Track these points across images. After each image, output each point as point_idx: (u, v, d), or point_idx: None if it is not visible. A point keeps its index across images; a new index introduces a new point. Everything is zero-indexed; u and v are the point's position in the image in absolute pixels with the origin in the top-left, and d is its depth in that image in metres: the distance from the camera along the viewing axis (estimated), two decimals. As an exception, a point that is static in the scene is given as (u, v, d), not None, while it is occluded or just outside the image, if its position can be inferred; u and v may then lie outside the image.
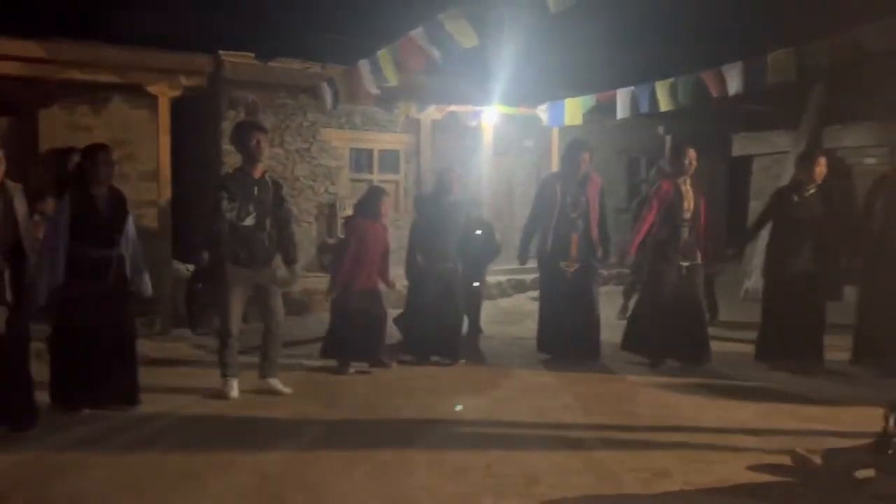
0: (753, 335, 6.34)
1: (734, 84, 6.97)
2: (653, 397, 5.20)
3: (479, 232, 7.10)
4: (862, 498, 3.31)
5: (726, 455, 3.92)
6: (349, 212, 10.98)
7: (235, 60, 9.59)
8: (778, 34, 8.92)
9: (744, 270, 10.59)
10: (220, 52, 9.37)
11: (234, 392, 5.03)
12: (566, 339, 6.24)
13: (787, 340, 5.93)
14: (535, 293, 10.52)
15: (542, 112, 9.56)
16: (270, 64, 9.92)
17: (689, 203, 5.97)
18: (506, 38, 10.17)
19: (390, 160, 11.49)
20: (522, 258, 6.52)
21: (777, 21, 12.84)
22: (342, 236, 7.01)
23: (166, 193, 7.45)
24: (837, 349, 6.02)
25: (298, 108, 10.58)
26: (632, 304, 8.60)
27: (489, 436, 4.32)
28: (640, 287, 6.60)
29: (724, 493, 3.45)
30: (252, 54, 9.78)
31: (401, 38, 5.97)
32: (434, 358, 6.19)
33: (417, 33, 5.81)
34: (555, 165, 11.92)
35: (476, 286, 7.31)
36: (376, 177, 11.13)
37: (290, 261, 5.37)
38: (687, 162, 5.99)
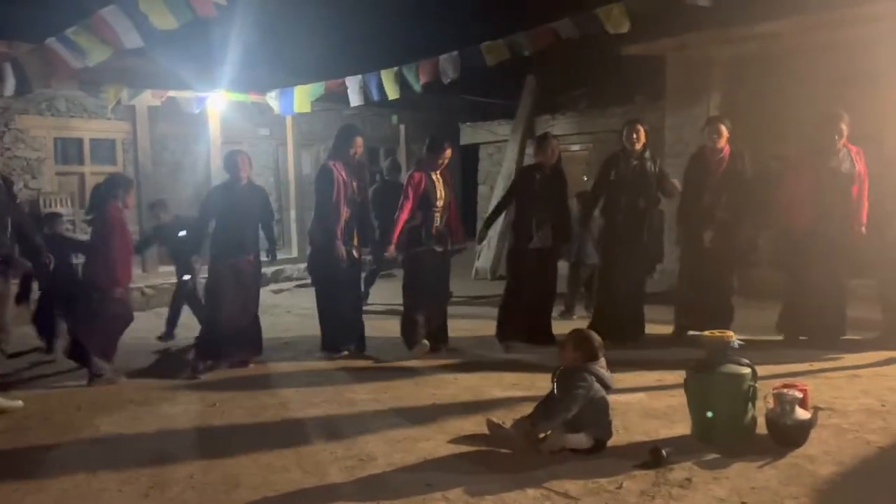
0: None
1: (451, 72, 7.35)
2: (374, 381, 5.28)
3: (183, 233, 6.70)
4: (542, 455, 3.63)
5: (432, 432, 4.08)
6: (64, 209, 9.87)
7: None
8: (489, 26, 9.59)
9: (475, 252, 11.27)
10: None
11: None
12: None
13: (521, 316, 6.27)
14: (287, 285, 10.41)
15: (272, 99, 9.28)
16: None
17: (440, 192, 6.11)
18: (228, 22, 9.73)
19: (104, 150, 10.45)
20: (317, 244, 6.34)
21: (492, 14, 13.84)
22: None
23: None
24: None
25: (-17, 93, 9.16)
26: (371, 290, 8.88)
27: (197, 445, 4.08)
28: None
29: (424, 468, 3.58)
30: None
31: (92, 15, 5.39)
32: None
33: (109, 11, 5.29)
34: (291, 154, 11.74)
35: (185, 279, 6.90)
36: (88, 168, 10.06)
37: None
38: (443, 157, 6.07)
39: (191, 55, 9.05)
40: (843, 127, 5.62)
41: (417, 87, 7.60)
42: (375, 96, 8.01)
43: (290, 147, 11.45)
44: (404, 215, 5.99)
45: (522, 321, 6.24)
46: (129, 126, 10.00)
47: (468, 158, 13.67)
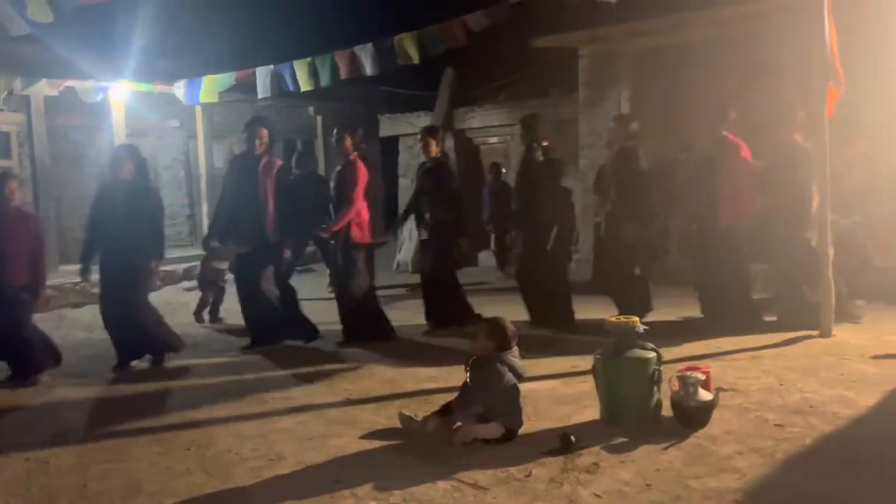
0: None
1: (367, 65, 7.25)
2: (286, 379, 5.14)
3: None
4: (454, 447, 3.60)
5: (343, 429, 4.00)
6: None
7: None
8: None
9: (397, 246, 11.20)
10: None
11: None
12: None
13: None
14: (191, 284, 10.02)
15: (179, 89, 8.98)
16: None
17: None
18: (132, 9, 9.31)
19: (-3, 143, 9.82)
20: (205, 244, 6.34)
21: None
22: None
23: None
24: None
25: None
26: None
27: (94, 450, 3.86)
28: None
29: (334, 465, 3.50)
30: None
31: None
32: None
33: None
34: (202, 147, 11.35)
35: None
36: (-20, 163, 9.44)
37: None
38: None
39: (89, 43, 8.59)
40: (729, 117, 5.86)
41: (326, 82, 7.47)
42: (288, 87, 7.84)
43: (200, 139, 11.09)
44: (360, 205, 5.89)
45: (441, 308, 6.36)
46: (24, 117, 9.43)
47: (388, 150, 13.56)
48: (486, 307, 6.52)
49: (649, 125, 9.19)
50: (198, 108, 10.57)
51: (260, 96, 8.24)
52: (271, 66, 7.91)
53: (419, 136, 6.56)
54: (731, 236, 5.86)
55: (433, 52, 7.10)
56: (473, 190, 11.46)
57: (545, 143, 6.25)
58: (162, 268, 9.85)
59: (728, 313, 5.97)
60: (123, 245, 5.33)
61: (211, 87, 8.58)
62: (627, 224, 6.05)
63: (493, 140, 11.88)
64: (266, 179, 5.81)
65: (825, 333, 5.50)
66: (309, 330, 6.13)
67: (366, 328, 6.09)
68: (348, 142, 6.03)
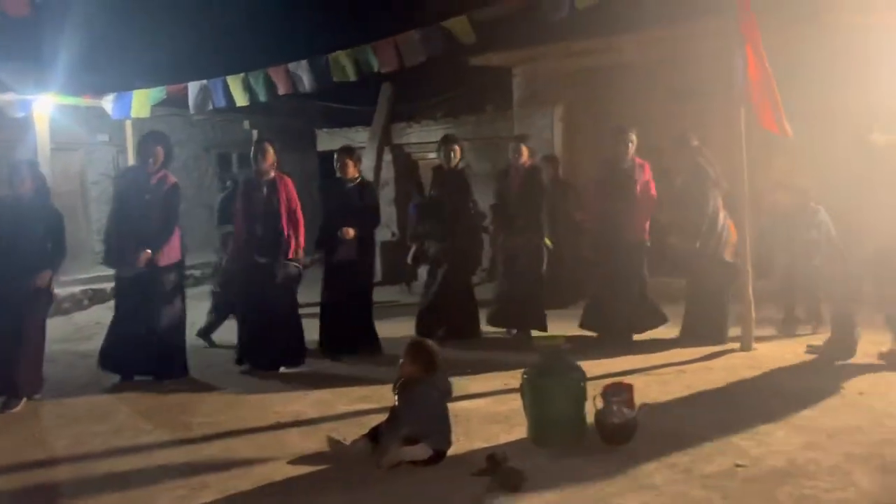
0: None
1: (303, 81, 7.21)
2: (214, 403, 5.03)
3: None
4: (381, 470, 3.59)
5: (271, 453, 3.94)
6: None
7: None
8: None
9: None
10: None
11: None
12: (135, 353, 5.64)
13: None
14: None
15: (108, 103, 8.75)
16: None
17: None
18: (54, 24, 9.05)
19: None
20: (108, 261, 5.87)
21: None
22: None
23: None
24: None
25: None
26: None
27: (9, 483, 3.71)
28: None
29: (259, 493, 3.45)
30: None
31: None
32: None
33: None
34: (132, 161, 11.04)
35: None
36: None
37: None
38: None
39: (12, 56, 8.31)
40: (632, 139, 6.11)
41: (263, 97, 7.41)
42: (220, 103, 7.73)
43: (130, 154, 10.76)
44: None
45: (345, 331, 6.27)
46: (-59, 132, 9.03)
47: (326, 165, 13.46)
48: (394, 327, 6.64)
49: (582, 142, 9.44)
50: (128, 123, 10.27)
51: (192, 111, 8.11)
52: (204, 81, 7.80)
53: (335, 157, 6.47)
54: (634, 251, 6.12)
55: (368, 71, 7.12)
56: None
57: (458, 162, 6.63)
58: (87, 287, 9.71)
59: (622, 325, 6.17)
60: (21, 264, 5.06)
61: (142, 100, 8.40)
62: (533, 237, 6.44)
63: (432, 156, 11.92)
64: (158, 197, 5.62)
65: (746, 347, 5.71)
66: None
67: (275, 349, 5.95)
68: (271, 157, 5.89)
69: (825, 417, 4.15)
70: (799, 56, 7.13)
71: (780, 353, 5.67)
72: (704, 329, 5.99)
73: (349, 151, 6.46)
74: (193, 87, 7.86)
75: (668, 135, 6.67)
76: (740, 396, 4.64)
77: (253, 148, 6.03)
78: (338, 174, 6.37)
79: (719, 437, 3.88)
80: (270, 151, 5.90)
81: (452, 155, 6.63)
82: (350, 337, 6.23)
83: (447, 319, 6.55)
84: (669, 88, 8.63)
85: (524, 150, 6.62)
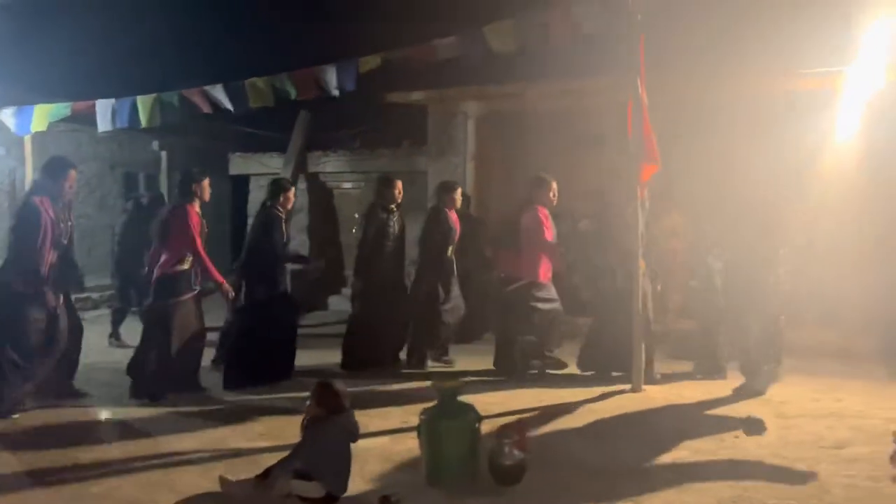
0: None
1: (220, 103, 7.15)
2: (100, 442, 4.84)
3: None
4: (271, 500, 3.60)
5: (161, 494, 3.86)
6: None
7: None
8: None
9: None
10: None
11: None
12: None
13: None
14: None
15: (8, 117, 8.41)
16: None
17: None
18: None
19: None
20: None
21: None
22: None
23: None
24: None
25: None
26: (122, 329, 8.23)
27: None
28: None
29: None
30: None
31: None
32: None
33: None
34: (30, 177, 10.56)
35: None
36: None
37: None
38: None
39: None
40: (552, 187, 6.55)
41: (175, 119, 7.32)
42: (125, 122, 7.56)
43: (28, 168, 10.30)
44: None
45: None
46: None
47: (238, 190, 13.27)
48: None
49: (493, 183, 9.76)
50: (28, 137, 9.86)
51: (100, 130, 7.89)
52: (112, 100, 7.62)
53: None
54: (526, 292, 6.44)
55: (286, 97, 7.15)
56: (326, 234, 11.53)
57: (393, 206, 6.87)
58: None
59: (508, 362, 6.47)
60: None
61: (41, 116, 8.13)
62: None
63: (348, 185, 11.98)
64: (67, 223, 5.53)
65: (636, 388, 5.99)
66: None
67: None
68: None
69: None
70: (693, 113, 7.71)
71: (665, 393, 5.94)
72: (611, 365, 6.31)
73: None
74: (102, 105, 7.67)
75: (572, 179, 7.04)
76: (625, 436, 4.86)
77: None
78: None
79: (603, 477, 4.06)
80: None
81: (397, 193, 6.89)
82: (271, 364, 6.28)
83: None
84: (574, 137, 9.10)
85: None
